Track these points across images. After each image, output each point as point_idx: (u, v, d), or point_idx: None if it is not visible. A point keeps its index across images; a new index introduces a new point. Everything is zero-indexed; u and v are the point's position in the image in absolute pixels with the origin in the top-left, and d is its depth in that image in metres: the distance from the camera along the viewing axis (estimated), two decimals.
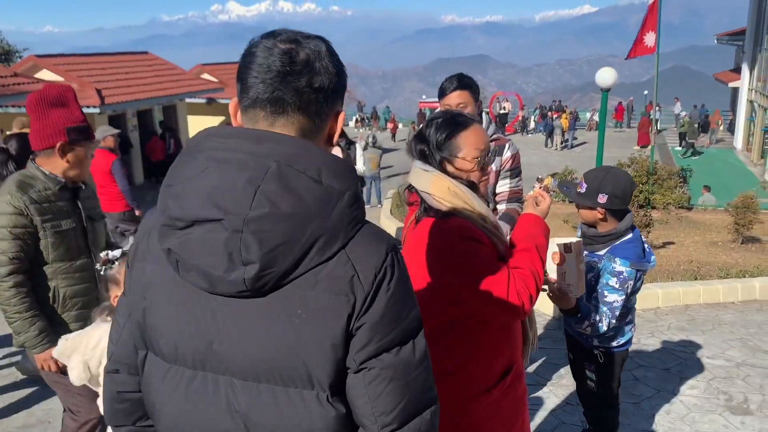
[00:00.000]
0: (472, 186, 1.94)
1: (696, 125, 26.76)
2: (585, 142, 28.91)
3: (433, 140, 1.93)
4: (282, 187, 1.06)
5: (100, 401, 2.48)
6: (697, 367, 4.61)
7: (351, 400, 1.13)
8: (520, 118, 34.35)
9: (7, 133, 4.94)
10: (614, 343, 2.78)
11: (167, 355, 1.18)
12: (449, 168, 1.93)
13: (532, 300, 1.83)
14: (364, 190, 16.70)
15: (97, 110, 16.75)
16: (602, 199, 2.64)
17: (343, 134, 4.51)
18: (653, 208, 12.67)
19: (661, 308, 5.99)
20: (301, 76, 1.14)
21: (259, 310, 1.09)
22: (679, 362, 4.70)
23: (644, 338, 5.19)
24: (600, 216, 2.70)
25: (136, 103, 18.61)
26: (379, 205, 14.83)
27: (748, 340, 5.15)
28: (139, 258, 1.22)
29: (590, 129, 33.72)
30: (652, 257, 2.77)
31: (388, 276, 1.11)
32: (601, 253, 2.71)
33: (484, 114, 3.51)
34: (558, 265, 2.42)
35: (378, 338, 1.10)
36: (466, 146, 1.92)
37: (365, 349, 1.10)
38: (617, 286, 2.61)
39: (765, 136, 23.95)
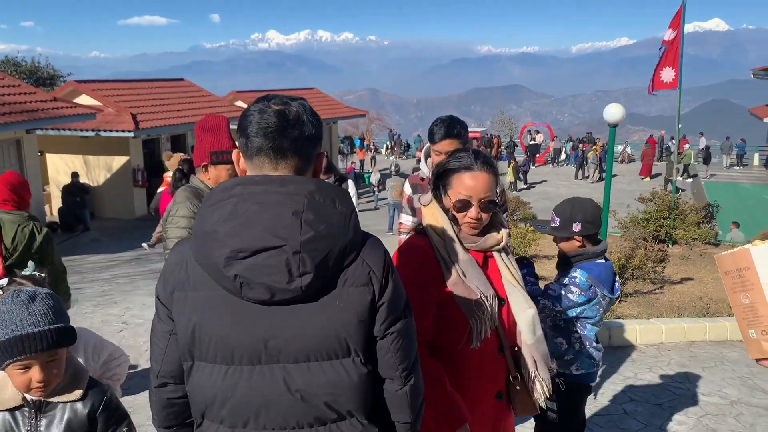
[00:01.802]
0: (456, 222, 2.11)
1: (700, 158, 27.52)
2: (616, 175, 28.68)
3: (441, 167, 2.16)
4: (317, 216, 1.48)
5: None
6: (690, 404, 4.59)
7: (381, 359, 1.58)
8: (551, 149, 34.28)
9: (181, 157, 6.94)
10: (573, 369, 2.86)
11: (224, 359, 1.52)
12: (443, 197, 2.14)
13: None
14: (388, 218, 16.89)
15: (132, 134, 17.33)
16: (576, 227, 2.84)
17: (332, 169, 4.82)
18: (675, 243, 12.55)
19: (664, 344, 5.97)
20: (295, 128, 1.54)
21: (308, 310, 1.50)
22: (673, 398, 4.69)
23: (641, 373, 5.18)
24: (578, 244, 2.88)
25: (169, 128, 19.18)
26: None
27: (748, 378, 5.11)
28: (179, 286, 1.55)
29: (623, 161, 33.48)
30: (617, 290, 2.90)
31: (390, 269, 1.59)
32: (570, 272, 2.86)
33: (474, 143, 3.63)
34: None
35: (393, 312, 1.57)
36: (457, 186, 2.09)
37: (387, 321, 1.57)
38: (565, 292, 2.78)
39: None
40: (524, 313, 2.14)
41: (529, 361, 2.17)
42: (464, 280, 2.07)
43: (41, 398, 1.87)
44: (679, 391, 4.84)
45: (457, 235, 2.11)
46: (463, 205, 2.08)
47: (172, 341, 1.58)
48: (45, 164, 18.51)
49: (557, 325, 2.85)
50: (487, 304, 2.05)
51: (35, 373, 1.79)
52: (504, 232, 2.17)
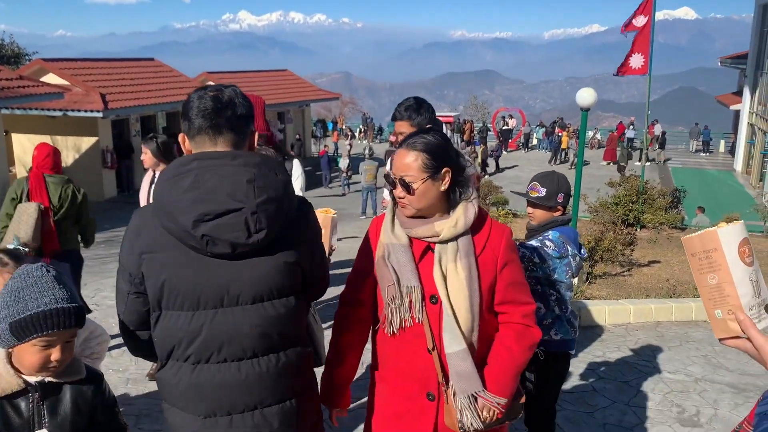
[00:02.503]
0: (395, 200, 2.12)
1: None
2: (587, 161, 29.06)
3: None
4: (266, 183, 1.76)
5: None
6: (656, 381, 4.74)
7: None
8: (522, 134, 34.55)
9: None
10: (552, 334, 2.95)
11: (191, 306, 1.79)
12: None
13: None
14: (360, 201, 16.90)
15: (100, 114, 17.00)
16: (560, 197, 3.01)
17: (280, 149, 4.78)
18: (643, 227, 12.82)
19: (632, 324, 6.13)
20: (228, 109, 1.82)
21: (259, 260, 1.79)
22: (640, 376, 4.84)
23: (610, 352, 5.32)
24: (558, 213, 3.05)
25: (139, 108, 18.86)
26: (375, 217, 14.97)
27: (712, 357, 5.28)
28: (147, 249, 1.79)
29: (592, 147, 33.89)
30: (583, 251, 3.14)
31: (315, 226, 1.98)
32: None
33: (446, 127, 3.68)
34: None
35: (316, 252, 1.96)
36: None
37: (315, 260, 1.96)
38: (540, 245, 2.94)
39: (764, 160, 24.07)
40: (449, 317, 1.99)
41: (449, 372, 2.01)
42: (386, 261, 2.03)
43: (51, 379, 1.81)
44: (646, 369, 4.98)
45: (394, 216, 2.11)
46: (389, 182, 2.07)
47: (131, 299, 1.84)
48: (11, 144, 18.07)
49: (534, 291, 2.91)
50: (401, 293, 1.98)
51: (56, 351, 1.74)
52: (447, 223, 2.00)
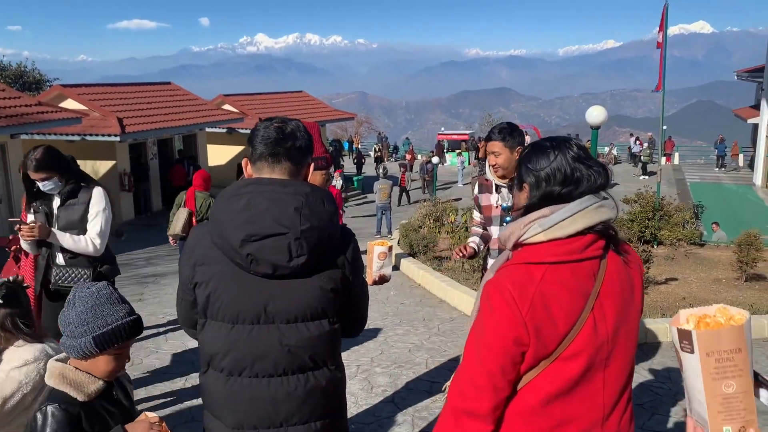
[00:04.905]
0: None
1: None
2: None
3: None
4: (312, 211, 1.90)
5: None
6: (672, 403, 4.64)
7: (346, 315, 2.08)
8: None
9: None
10: None
11: (231, 319, 1.94)
12: None
13: None
14: (375, 220, 16.90)
15: (118, 138, 17.24)
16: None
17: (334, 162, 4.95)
18: (660, 243, 12.65)
19: (647, 344, 6.02)
20: (288, 140, 1.98)
21: (298, 283, 1.93)
22: (654, 398, 4.74)
23: None
24: None
25: (156, 132, 19.10)
26: (390, 236, 14.93)
27: None
28: (199, 261, 1.97)
29: (608, 163, 33.72)
30: None
31: (356, 253, 2.09)
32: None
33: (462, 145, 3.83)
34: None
35: (354, 282, 2.08)
36: None
37: (353, 289, 2.08)
38: None
39: None
40: None
41: None
42: None
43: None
44: (662, 390, 4.88)
45: None
46: None
47: (184, 303, 2.07)
48: None
49: None
50: None
51: (125, 357, 2.10)
52: None
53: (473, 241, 4.09)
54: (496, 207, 3.92)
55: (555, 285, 1.61)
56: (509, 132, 3.70)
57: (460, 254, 3.90)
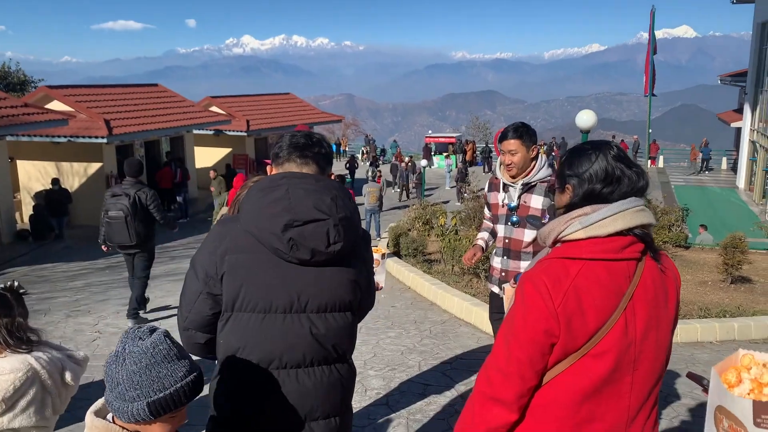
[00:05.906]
0: None
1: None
2: None
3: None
4: (345, 202, 2.05)
5: None
6: (663, 405, 4.69)
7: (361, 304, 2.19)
8: None
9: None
10: None
11: (263, 308, 1.98)
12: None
13: None
14: (363, 223, 16.91)
15: (105, 140, 17.11)
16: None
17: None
18: None
19: None
20: (315, 146, 2.19)
21: (330, 272, 2.02)
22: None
23: None
24: None
25: (143, 134, 18.97)
26: (378, 239, 14.95)
27: None
28: (230, 250, 1.98)
29: None
30: None
31: (369, 250, 2.26)
32: None
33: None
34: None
35: (371, 279, 2.23)
36: None
37: (370, 287, 2.23)
38: None
39: (766, 177, 24.05)
40: None
41: None
42: None
43: None
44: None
45: None
46: None
47: (201, 299, 2.01)
48: (16, 170, 18.17)
49: None
50: None
51: (181, 418, 1.75)
52: None
53: (482, 237, 4.19)
54: (503, 206, 3.93)
55: (589, 281, 1.64)
56: (525, 131, 3.76)
57: (471, 261, 4.03)
